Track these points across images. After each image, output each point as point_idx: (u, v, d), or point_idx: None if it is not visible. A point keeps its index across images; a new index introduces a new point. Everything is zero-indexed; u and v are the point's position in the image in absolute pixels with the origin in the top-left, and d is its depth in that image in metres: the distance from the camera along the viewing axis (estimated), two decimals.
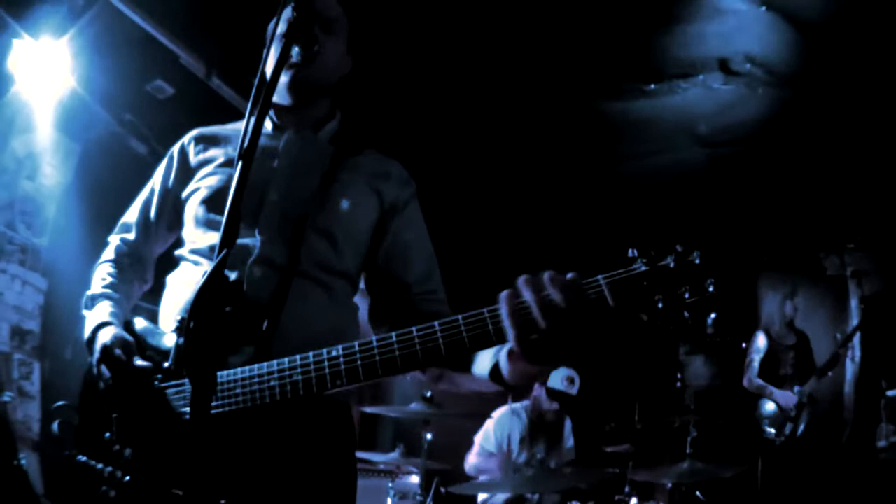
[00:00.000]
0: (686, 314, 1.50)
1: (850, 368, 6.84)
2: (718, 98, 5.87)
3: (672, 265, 1.50)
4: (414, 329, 1.64)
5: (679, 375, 6.55)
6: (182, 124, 2.52)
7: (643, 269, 1.51)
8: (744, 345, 6.90)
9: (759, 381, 6.64)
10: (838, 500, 6.30)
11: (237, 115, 2.18)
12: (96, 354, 1.98)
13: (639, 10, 5.08)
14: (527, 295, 1.51)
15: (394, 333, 1.66)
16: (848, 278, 6.89)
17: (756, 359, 6.73)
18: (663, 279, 1.50)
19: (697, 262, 1.50)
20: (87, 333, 2.09)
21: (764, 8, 4.96)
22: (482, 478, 5.71)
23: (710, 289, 1.49)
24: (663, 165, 6.69)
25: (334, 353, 1.71)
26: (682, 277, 1.50)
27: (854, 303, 6.91)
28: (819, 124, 6.07)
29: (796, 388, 6.44)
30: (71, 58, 5.02)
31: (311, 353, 1.74)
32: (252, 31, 1.94)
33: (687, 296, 1.49)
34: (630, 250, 1.53)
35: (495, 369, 1.71)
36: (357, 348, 1.69)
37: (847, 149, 6.29)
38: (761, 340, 6.81)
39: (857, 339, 6.79)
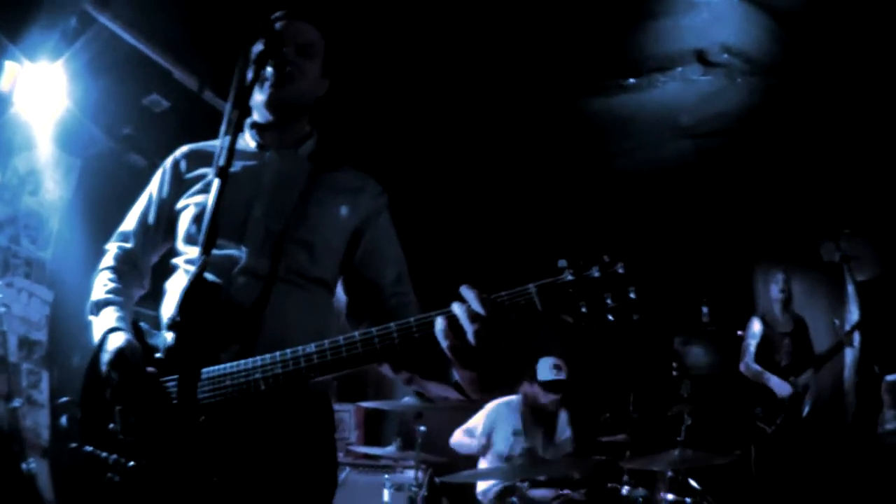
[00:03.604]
0: (610, 317, 1.68)
1: (850, 354, 6.83)
2: (699, 89, 5.92)
3: (597, 275, 1.68)
4: (374, 329, 1.85)
5: (674, 364, 6.58)
6: (178, 136, 2.69)
7: (570, 278, 1.68)
8: (739, 332, 6.93)
9: (756, 367, 6.66)
10: (841, 486, 6.30)
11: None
12: (108, 357, 2.11)
13: (612, 6, 5.15)
14: (456, 308, 1.69)
15: (357, 333, 1.87)
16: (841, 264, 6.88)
17: (752, 343, 6.77)
18: (588, 287, 1.68)
19: (621, 271, 1.68)
20: (96, 338, 2.22)
21: None
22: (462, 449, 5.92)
23: (632, 295, 1.67)
24: (651, 160, 6.75)
25: (309, 350, 1.91)
26: (606, 286, 1.68)
27: (851, 288, 6.91)
28: (803, 110, 6.09)
29: (792, 379, 6.50)
30: (67, 79, 5.18)
31: (289, 350, 1.93)
32: (240, 47, 2.11)
33: (609, 302, 1.67)
34: (560, 261, 1.70)
35: (458, 381, 1.89)
36: (327, 346, 1.90)
37: (835, 133, 6.30)
38: (756, 325, 6.84)
39: (856, 321, 6.80)
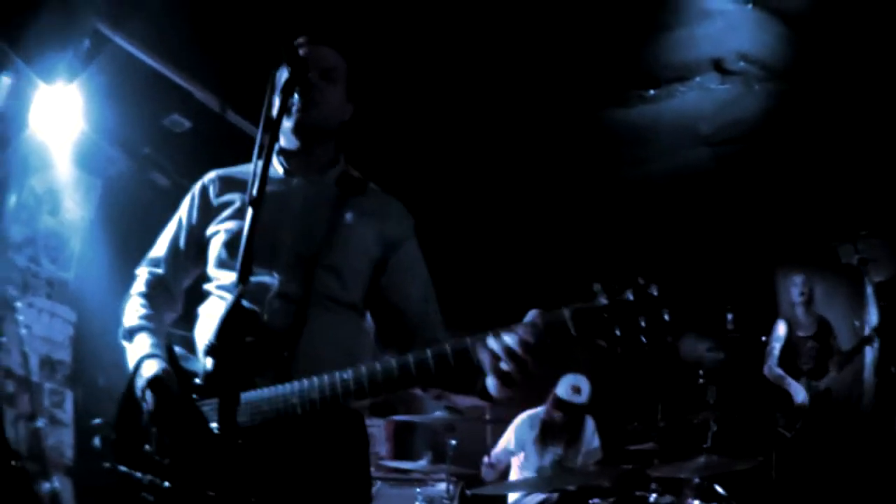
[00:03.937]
0: (643, 339, 1.69)
1: (870, 354, 6.81)
2: (717, 97, 5.94)
3: (631, 298, 1.70)
4: (410, 356, 1.92)
5: (700, 372, 6.56)
6: (201, 156, 2.71)
7: (604, 302, 1.71)
8: (763, 338, 6.92)
9: (779, 371, 6.66)
10: (860, 487, 6.28)
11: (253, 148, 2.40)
12: (143, 383, 2.15)
13: (627, 19, 5.17)
14: (491, 342, 1.78)
15: (393, 359, 1.93)
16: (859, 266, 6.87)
17: (776, 347, 6.77)
18: (622, 311, 1.70)
19: (655, 294, 1.70)
20: (131, 364, 2.26)
21: (750, 6, 5.03)
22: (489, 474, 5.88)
23: (666, 317, 1.69)
24: (671, 168, 6.77)
25: (345, 376, 1.96)
26: (640, 309, 1.69)
27: (870, 290, 6.89)
28: (820, 114, 6.11)
29: (812, 384, 6.50)
30: (84, 101, 5.20)
31: (325, 375, 1.97)
32: (261, 66, 2.14)
33: (644, 324, 1.68)
34: (595, 284, 1.72)
35: (483, 388, 1.93)
36: (364, 372, 1.95)
37: (851, 136, 6.31)
38: (781, 329, 6.84)
39: (875, 324, 6.78)
